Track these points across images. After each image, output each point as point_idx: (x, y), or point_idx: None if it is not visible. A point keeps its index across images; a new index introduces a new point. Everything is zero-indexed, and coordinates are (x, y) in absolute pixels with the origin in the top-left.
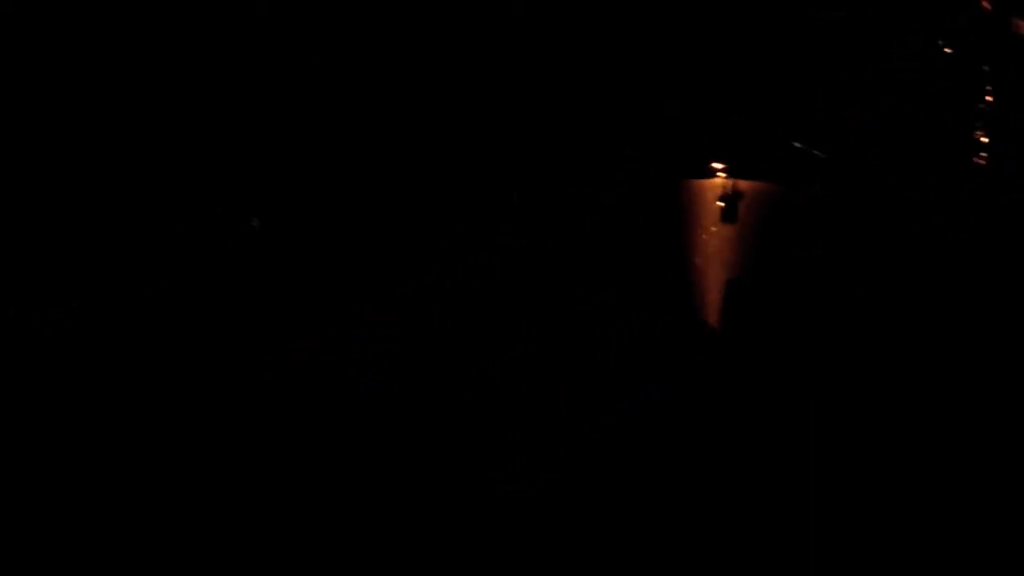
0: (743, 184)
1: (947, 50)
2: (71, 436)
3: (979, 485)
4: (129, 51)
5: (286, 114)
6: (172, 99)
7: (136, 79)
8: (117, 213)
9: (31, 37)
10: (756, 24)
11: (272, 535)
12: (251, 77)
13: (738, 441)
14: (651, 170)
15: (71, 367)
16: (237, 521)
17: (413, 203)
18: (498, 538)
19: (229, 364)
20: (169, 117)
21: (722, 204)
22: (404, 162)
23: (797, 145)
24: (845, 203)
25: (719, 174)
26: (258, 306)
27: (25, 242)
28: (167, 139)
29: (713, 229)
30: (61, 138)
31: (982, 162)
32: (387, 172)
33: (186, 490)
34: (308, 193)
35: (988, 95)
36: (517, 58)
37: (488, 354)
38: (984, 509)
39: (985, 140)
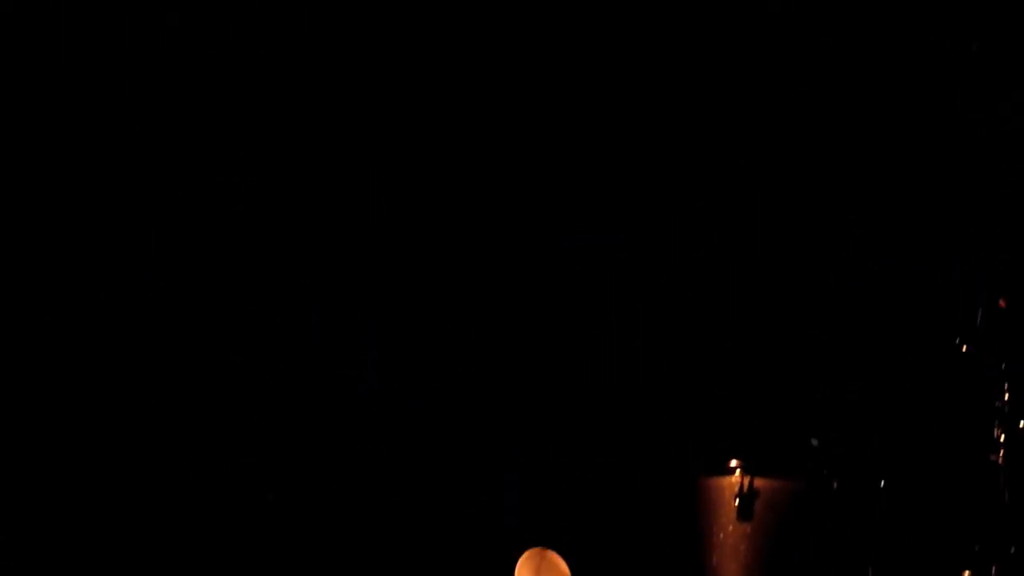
0: (760, 481)
1: (964, 348)
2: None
3: None
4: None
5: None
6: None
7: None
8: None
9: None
10: (770, 323)
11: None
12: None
13: None
14: (669, 469)
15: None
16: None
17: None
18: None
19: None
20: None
21: (738, 501)
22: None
23: (814, 442)
24: (862, 500)
25: (736, 471)
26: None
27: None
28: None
29: (730, 527)
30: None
31: (999, 460)
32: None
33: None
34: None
35: (1006, 393)
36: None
37: None
38: None
39: (1002, 438)
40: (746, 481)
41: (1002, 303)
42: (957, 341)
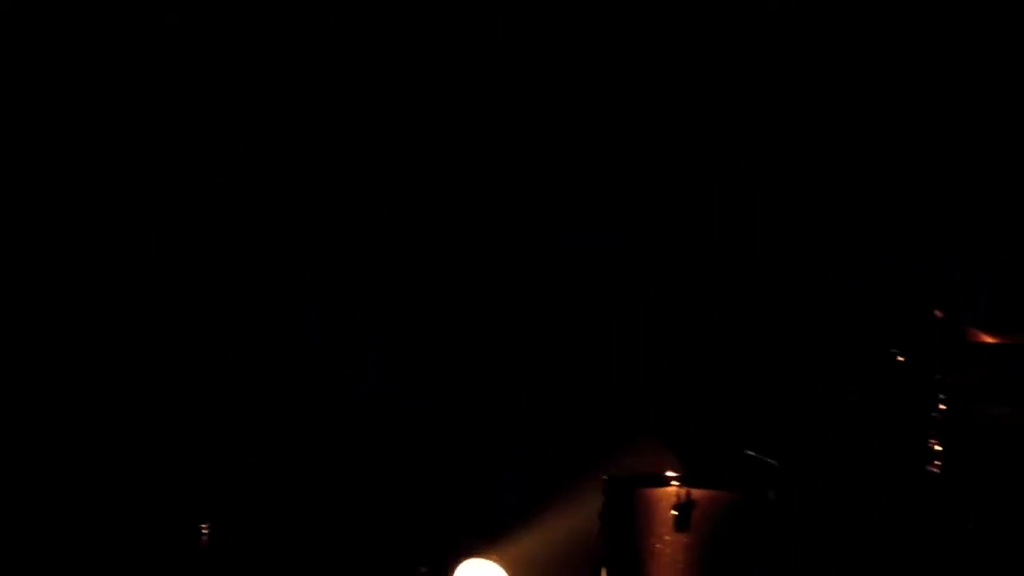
0: (696, 492)
1: (899, 358)
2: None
3: None
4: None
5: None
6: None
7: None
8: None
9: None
10: (709, 340)
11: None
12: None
13: None
14: (606, 480)
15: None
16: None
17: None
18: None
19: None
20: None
21: (675, 512)
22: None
23: (750, 453)
24: (799, 511)
25: (673, 483)
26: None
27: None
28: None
29: (667, 538)
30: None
31: (935, 470)
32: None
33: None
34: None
35: (941, 403)
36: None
37: None
38: None
39: (938, 448)
40: (683, 492)
41: (937, 313)
42: (892, 351)
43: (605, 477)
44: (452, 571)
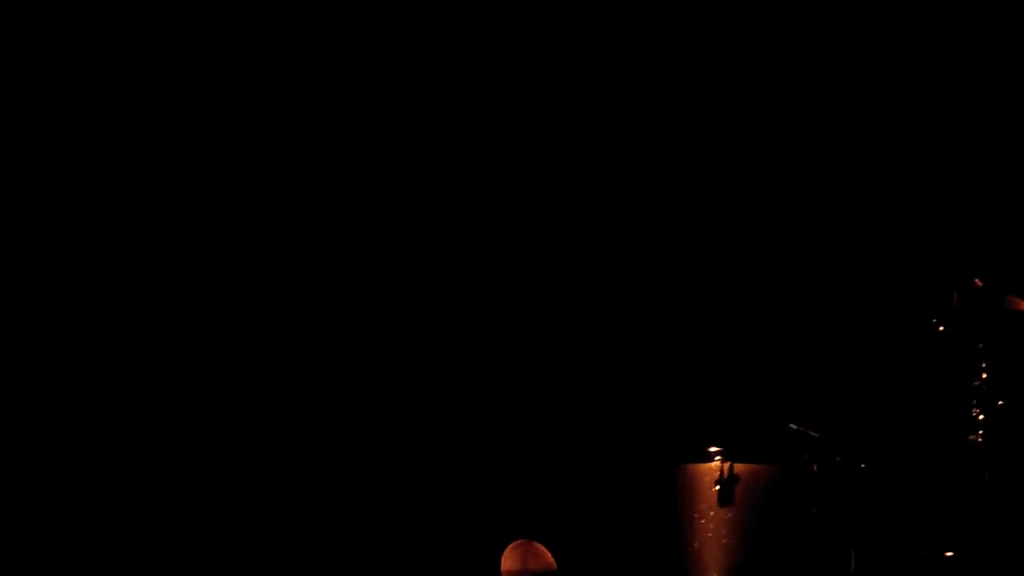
0: (739, 467)
1: (942, 328)
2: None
3: None
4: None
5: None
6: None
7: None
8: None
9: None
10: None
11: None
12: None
13: None
14: (650, 455)
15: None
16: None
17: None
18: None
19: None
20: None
21: (718, 487)
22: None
23: (792, 427)
24: (842, 484)
25: (715, 458)
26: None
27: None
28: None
29: (711, 513)
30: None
31: (978, 439)
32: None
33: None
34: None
35: (983, 372)
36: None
37: None
38: None
39: (981, 417)
40: (726, 467)
41: (977, 283)
42: (934, 321)
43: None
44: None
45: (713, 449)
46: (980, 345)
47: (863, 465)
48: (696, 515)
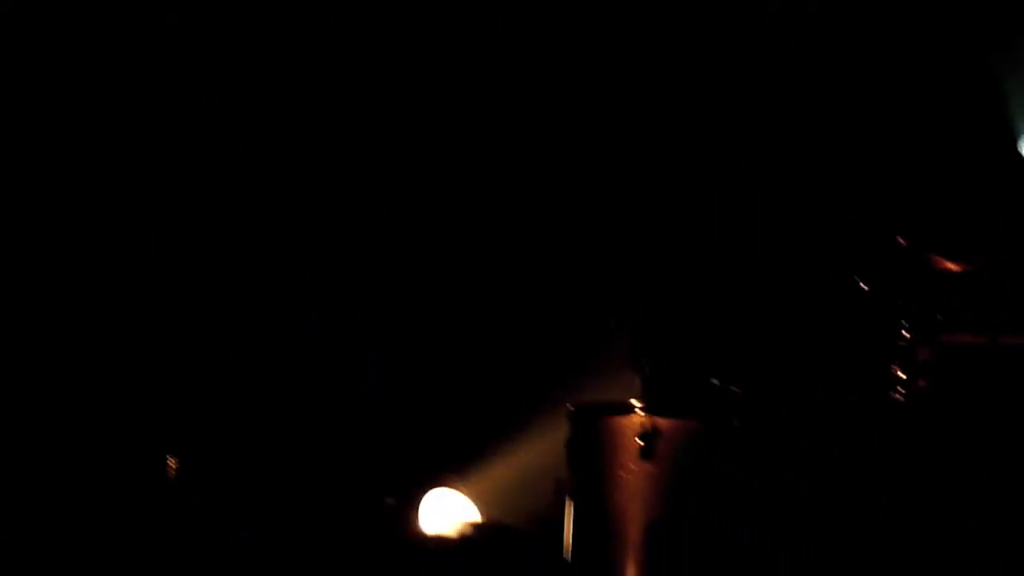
0: (661, 421)
1: (863, 286)
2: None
3: None
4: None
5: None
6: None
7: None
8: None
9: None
10: (673, 268)
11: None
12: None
13: None
14: (570, 408)
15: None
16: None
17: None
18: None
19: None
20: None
21: (641, 442)
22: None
23: (714, 382)
24: (763, 439)
25: (637, 412)
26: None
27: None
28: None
29: (632, 467)
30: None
31: (899, 397)
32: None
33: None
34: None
35: (905, 330)
36: None
37: None
38: None
39: (902, 376)
40: (648, 422)
41: (900, 241)
42: (856, 279)
43: (569, 406)
44: (418, 502)
45: (635, 403)
46: (901, 303)
47: (782, 422)
48: (618, 469)
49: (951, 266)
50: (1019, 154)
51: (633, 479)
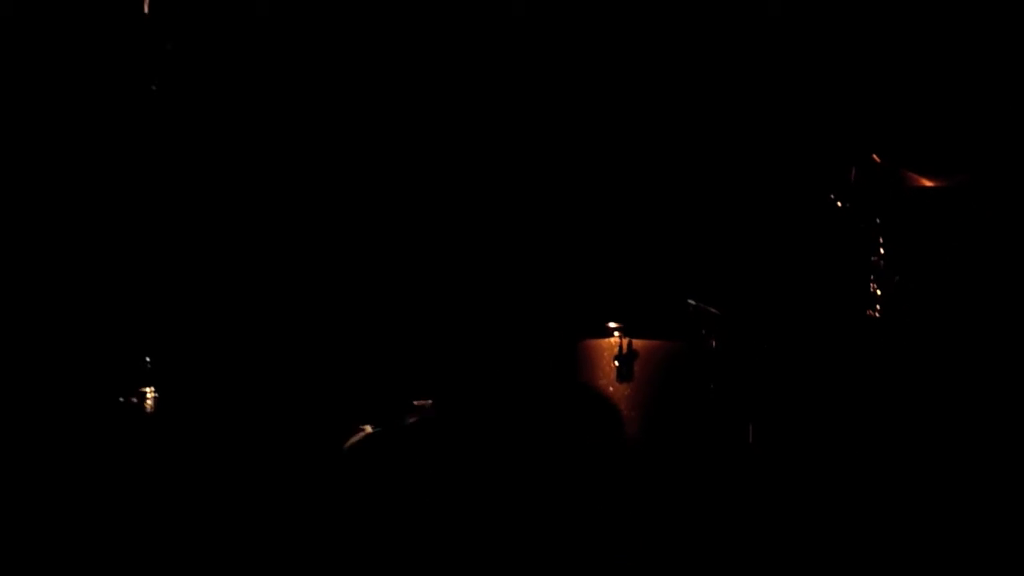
0: (638, 342)
1: (839, 204)
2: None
3: None
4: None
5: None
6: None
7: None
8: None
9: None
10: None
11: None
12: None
13: None
14: (544, 330)
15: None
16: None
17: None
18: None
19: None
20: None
21: (617, 363)
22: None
23: (691, 302)
24: (740, 358)
25: (614, 333)
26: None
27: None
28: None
29: (609, 388)
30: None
31: (875, 314)
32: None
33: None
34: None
35: (881, 247)
36: None
37: None
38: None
39: (878, 292)
40: (625, 342)
41: (875, 158)
42: (832, 197)
43: (543, 328)
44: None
45: (612, 324)
46: (878, 221)
47: (761, 342)
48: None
49: (927, 183)
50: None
51: (611, 401)
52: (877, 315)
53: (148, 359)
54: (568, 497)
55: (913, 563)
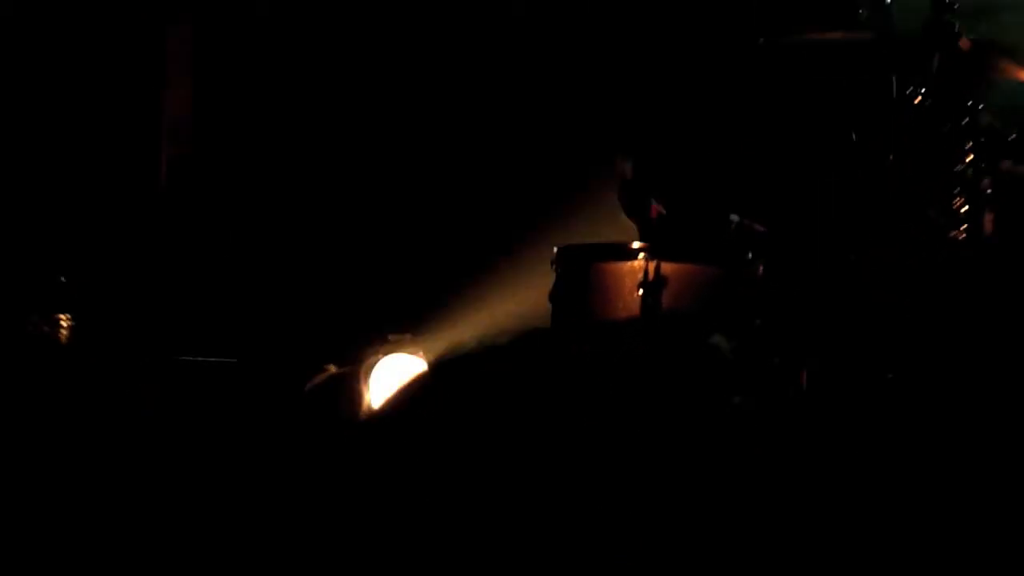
0: (667, 267)
1: (919, 98)
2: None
3: None
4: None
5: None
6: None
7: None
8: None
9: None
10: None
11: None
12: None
13: None
14: (557, 252)
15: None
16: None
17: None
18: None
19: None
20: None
21: (641, 291)
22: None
23: (733, 217)
24: (792, 288)
25: (638, 255)
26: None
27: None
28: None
29: (631, 325)
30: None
31: (960, 236)
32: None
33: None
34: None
35: (968, 154)
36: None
37: None
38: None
39: (964, 208)
40: (651, 267)
41: (964, 44)
42: (910, 90)
43: (555, 248)
44: (366, 370)
45: (635, 245)
46: (966, 120)
47: (816, 269)
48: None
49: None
50: None
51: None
52: (962, 237)
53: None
54: (580, 461)
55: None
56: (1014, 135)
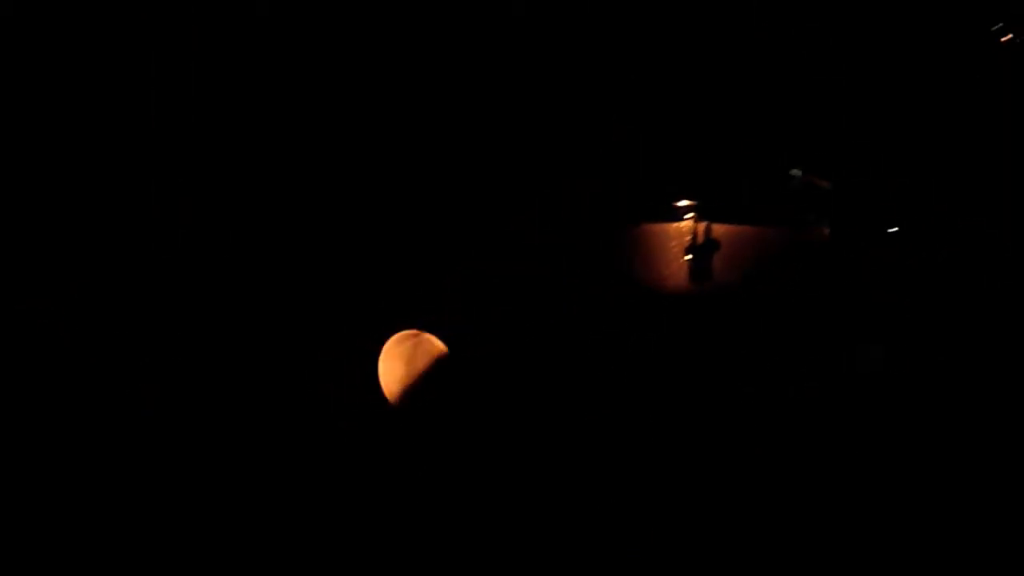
0: (719, 229)
1: (1008, 36)
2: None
3: None
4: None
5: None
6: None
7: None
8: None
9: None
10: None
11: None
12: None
13: None
14: (597, 210)
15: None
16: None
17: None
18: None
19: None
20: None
21: (689, 256)
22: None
23: (794, 172)
24: (863, 252)
25: (686, 216)
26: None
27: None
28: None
29: (679, 293)
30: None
31: None
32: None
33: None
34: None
35: None
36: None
37: None
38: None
39: None
40: (700, 228)
41: None
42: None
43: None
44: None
45: (683, 203)
46: None
47: (893, 227)
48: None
49: None
50: None
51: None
52: None
53: None
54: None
55: None
56: None
